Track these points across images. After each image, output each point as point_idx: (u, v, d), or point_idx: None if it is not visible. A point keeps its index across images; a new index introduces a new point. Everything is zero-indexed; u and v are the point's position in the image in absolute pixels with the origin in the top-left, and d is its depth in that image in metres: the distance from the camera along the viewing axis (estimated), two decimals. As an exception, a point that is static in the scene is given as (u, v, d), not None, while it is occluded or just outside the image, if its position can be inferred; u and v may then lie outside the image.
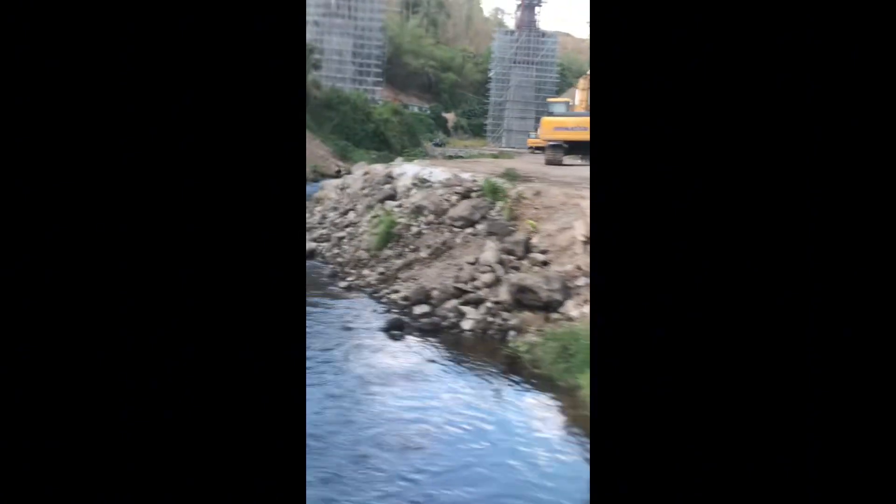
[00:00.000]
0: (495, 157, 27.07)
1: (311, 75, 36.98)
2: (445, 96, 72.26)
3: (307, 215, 12.74)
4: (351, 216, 11.72)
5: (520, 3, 57.13)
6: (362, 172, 15.43)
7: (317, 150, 28.68)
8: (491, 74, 57.71)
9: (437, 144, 52.69)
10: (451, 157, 31.36)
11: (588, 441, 3.50)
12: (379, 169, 14.18)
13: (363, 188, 12.84)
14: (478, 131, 70.53)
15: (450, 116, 63.07)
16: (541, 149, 18.59)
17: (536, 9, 57.17)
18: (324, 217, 12.58)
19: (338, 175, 27.03)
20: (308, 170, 24.87)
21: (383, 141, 38.90)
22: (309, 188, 21.50)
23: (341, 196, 13.64)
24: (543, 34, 58.50)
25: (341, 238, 10.99)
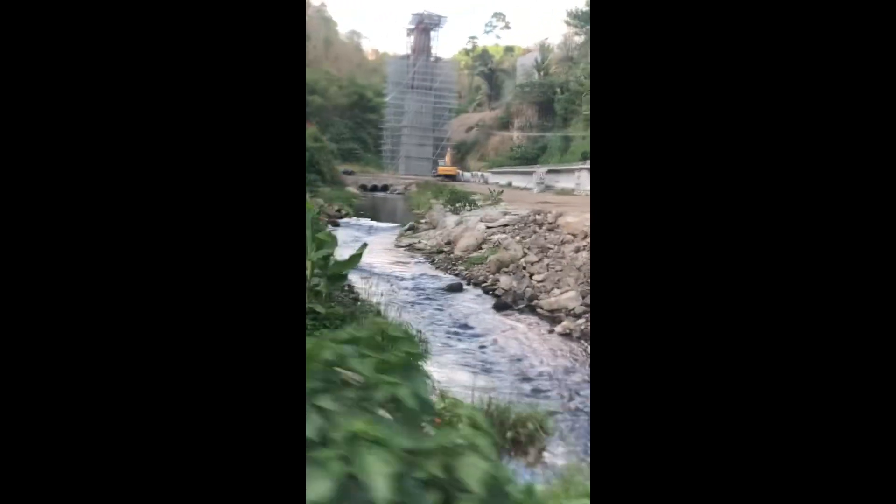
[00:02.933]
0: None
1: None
2: (313, 120, 68.65)
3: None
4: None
5: (414, 27, 55.05)
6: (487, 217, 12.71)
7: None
8: (387, 99, 54.95)
9: (346, 173, 48.88)
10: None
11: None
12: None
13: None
14: (347, 156, 68.23)
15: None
16: (451, 177, 17.29)
17: (432, 33, 55.37)
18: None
19: (340, 216, 22.88)
20: (315, 211, 20.66)
21: (318, 171, 34.84)
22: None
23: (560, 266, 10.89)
24: (439, 59, 57.23)
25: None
